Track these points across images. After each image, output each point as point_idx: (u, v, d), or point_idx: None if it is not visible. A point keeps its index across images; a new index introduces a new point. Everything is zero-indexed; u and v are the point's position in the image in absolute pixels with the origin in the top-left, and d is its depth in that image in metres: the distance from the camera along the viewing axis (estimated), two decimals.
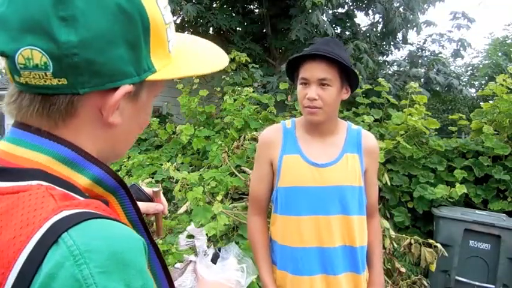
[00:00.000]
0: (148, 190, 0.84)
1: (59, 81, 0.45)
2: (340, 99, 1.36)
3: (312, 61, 1.30)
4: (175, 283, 0.82)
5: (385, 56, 8.26)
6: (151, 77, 0.51)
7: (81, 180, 0.49)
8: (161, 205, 0.83)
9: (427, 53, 7.53)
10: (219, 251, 0.90)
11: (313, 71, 1.29)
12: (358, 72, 4.46)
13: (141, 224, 0.56)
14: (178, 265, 0.89)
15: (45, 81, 0.45)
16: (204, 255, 0.89)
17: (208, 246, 0.92)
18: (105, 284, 0.38)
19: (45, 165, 0.47)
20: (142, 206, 0.79)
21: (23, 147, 0.48)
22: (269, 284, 1.35)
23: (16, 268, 0.39)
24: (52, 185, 0.46)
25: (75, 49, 0.44)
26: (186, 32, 6.61)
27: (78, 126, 0.50)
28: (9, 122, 10.23)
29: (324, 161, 1.34)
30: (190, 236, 0.96)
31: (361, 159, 1.37)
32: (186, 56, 0.57)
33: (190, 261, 0.88)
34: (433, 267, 2.49)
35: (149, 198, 0.83)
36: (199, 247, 0.91)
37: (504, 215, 2.95)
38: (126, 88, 0.49)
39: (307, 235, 1.31)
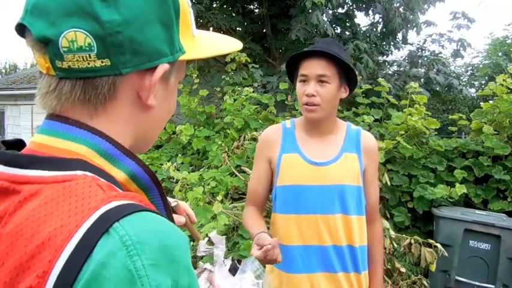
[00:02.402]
0: (171, 200, 0.84)
1: (102, 62, 0.46)
2: (338, 98, 1.36)
3: (311, 58, 1.31)
4: None
5: (385, 56, 8.26)
6: (183, 57, 0.53)
7: (118, 174, 0.49)
8: (183, 218, 0.83)
9: (427, 53, 7.52)
10: (238, 263, 0.90)
11: (312, 67, 1.30)
12: (358, 72, 4.47)
13: None
14: None
15: (88, 64, 0.46)
16: (222, 264, 0.88)
17: (226, 257, 0.91)
18: (155, 277, 0.38)
19: (86, 157, 0.47)
20: None
21: (63, 139, 0.48)
22: (255, 228, 1.29)
23: (64, 256, 0.38)
24: (97, 176, 0.46)
25: (118, 27, 0.45)
26: None
27: (117, 111, 0.51)
28: (9, 122, 10.22)
29: (322, 160, 1.34)
30: (210, 243, 0.96)
31: (360, 159, 1.37)
32: (206, 39, 0.59)
33: (205, 269, 0.87)
34: (433, 267, 2.49)
35: (173, 210, 0.82)
36: (217, 256, 0.90)
37: (504, 215, 2.95)
38: (164, 67, 0.50)
39: (307, 233, 1.32)
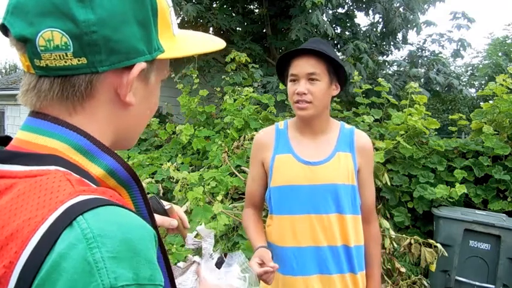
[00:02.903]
0: (165, 203, 0.85)
1: (79, 60, 0.47)
2: (330, 95, 1.36)
3: (300, 57, 1.32)
4: (175, 281, 0.82)
5: (385, 56, 8.27)
6: (161, 56, 0.54)
7: (95, 170, 0.50)
8: (175, 221, 0.84)
9: (427, 53, 7.54)
10: (225, 256, 0.90)
11: (301, 66, 1.31)
12: (358, 72, 4.46)
13: (151, 221, 0.56)
14: (180, 264, 0.89)
15: (65, 62, 0.47)
16: (210, 257, 0.89)
17: (214, 250, 0.91)
18: (115, 269, 0.39)
19: (62, 153, 0.49)
20: (158, 219, 0.80)
21: (41, 135, 0.49)
22: (257, 241, 1.34)
23: (29, 247, 0.40)
24: (69, 171, 0.47)
25: (94, 27, 0.46)
26: None
27: (95, 109, 0.52)
28: (8, 122, 10.23)
29: (316, 160, 1.34)
30: (199, 236, 0.96)
31: (354, 158, 1.36)
32: (188, 38, 0.61)
33: (194, 261, 0.88)
34: (433, 267, 2.50)
35: (166, 213, 0.84)
36: (205, 249, 0.90)
37: (504, 215, 2.95)
38: (141, 65, 0.51)
39: (301, 234, 1.31)
